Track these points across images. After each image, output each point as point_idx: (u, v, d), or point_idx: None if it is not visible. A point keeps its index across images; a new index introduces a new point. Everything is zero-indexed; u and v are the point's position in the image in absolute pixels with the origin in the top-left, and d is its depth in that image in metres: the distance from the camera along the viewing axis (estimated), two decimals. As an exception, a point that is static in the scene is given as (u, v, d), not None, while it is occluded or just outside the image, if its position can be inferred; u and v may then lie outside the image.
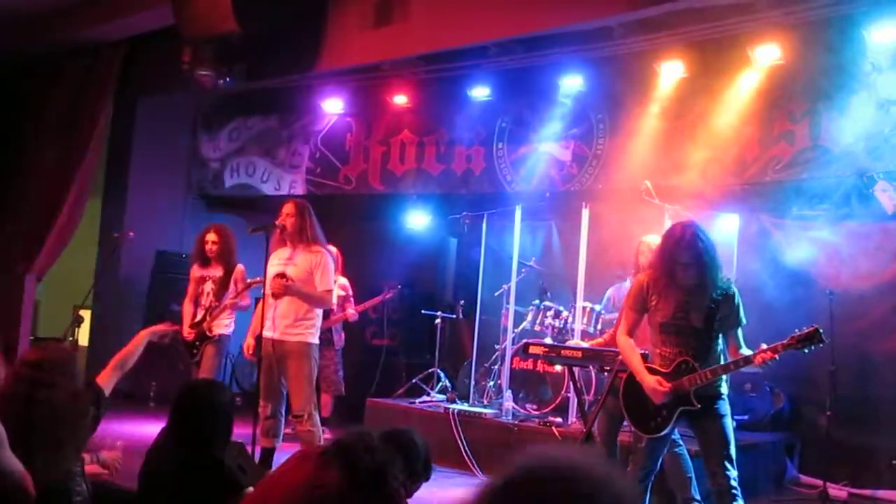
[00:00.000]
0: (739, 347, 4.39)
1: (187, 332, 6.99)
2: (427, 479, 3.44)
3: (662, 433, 4.45)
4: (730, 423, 4.43)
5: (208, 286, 7.06)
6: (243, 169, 10.23)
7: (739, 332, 4.44)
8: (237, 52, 7.98)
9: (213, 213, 10.63)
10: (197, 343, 6.98)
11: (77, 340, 8.43)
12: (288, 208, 6.09)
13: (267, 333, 6.02)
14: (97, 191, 10.07)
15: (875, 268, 7.07)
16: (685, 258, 4.34)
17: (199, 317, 7.02)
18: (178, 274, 9.35)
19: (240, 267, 7.08)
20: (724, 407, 4.43)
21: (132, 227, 9.28)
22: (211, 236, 7.10)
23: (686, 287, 4.39)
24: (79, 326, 8.32)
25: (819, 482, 6.50)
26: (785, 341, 4.20)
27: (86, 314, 8.72)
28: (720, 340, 4.46)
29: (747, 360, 4.28)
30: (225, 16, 7.41)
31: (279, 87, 9.41)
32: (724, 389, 4.48)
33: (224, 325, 7.05)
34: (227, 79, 8.31)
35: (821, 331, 4.16)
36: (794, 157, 6.83)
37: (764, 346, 4.25)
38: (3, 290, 9.51)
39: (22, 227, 9.69)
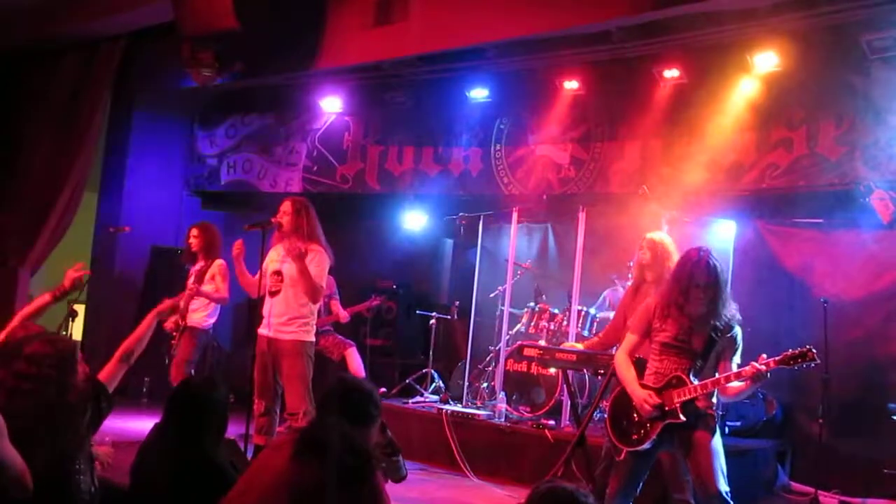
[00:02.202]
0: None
1: (169, 323, 7.18)
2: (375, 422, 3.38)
3: (643, 447, 4.45)
4: (719, 440, 4.42)
5: (191, 280, 7.27)
6: (240, 166, 10.22)
7: (734, 364, 4.43)
8: (236, 49, 7.97)
9: (209, 210, 10.63)
10: (174, 334, 7.23)
11: (71, 335, 8.42)
12: (285, 206, 6.10)
13: (262, 331, 6.03)
14: (93, 185, 10.05)
15: (870, 276, 7.07)
16: (702, 279, 4.38)
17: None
18: (173, 269, 9.34)
19: (219, 261, 7.24)
20: (713, 423, 4.43)
21: (128, 223, 9.26)
22: (193, 231, 7.42)
23: (693, 314, 4.42)
24: (73, 321, 8.31)
25: (810, 490, 6.50)
26: (777, 358, 4.21)
27: (80, 308, 8.69)
28: (717, 364, 4.47)
29: (738, 375, 4.29)
30: (225, 12, 7.40)
31: (277, 85, 9.40)
32: (714, 407, 4.49)
33: (197, 318, 7.21)
34: (225, 76, 8.32)
35: (814, 351, 4.17)
36: (791, 165, 6.85)
37: (755, 364, 4.23)
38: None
39: (17, 220, 9.66)
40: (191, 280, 7.28)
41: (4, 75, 9.90)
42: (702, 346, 4.41)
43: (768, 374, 4.21)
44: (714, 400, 4.47)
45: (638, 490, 4.63)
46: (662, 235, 5.86)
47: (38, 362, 3.35)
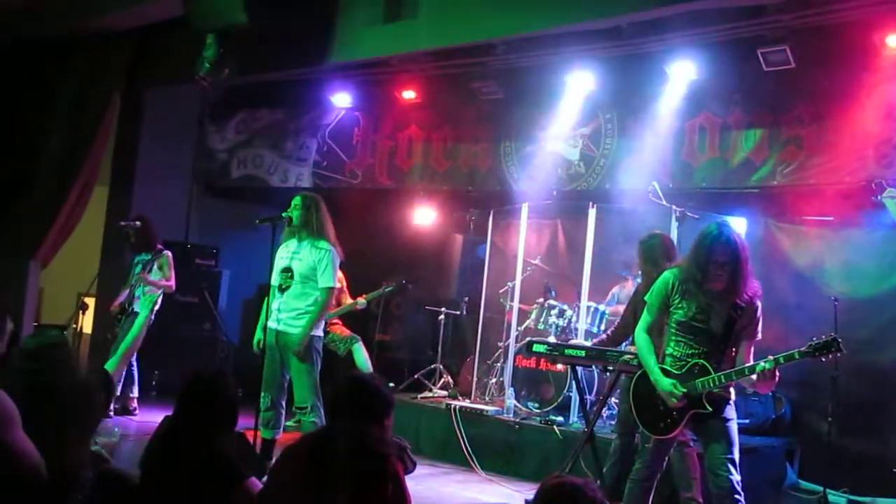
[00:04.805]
0: (746, 360, 4.33)
1: (112, 307, 8.03)
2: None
3: (671, 434, 4.43)
4: (735, 427, 4.39)
5: (137, 268, 7.93)
6: (250, 161, 10.23)
7: (752, 346, 4.38)
8: (247, 44, 7.98)
9: (219, 204, 10.65)
10: (119, 317, 7.88)
11: (81, 327, 8.49)
12: (296, 201, 6.12)
13: (271, 325, 6.03)
14: (104, 179, 10.07)
15: (881, 275, 7.05)
16: (721, 257, 4.26)
17: (125, 295, 7.93)
18: (182, 264, 9.37)
19: (167, 252, 8.02)
20: (731, 411, 4.40)
21: (138, 217, 9.29)
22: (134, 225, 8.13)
23: (713, 290, 4.32)
24: (83, 313, 8.38)
25: (819, 488, 6.49)
26: (802, 349, 4.12)
27: (90, 302, 8.75)
28: (736, 347, 4.39)
29: (762, 370, 4.17)
30: (235, 7, 7.42)
31: (287, 80, 9.41)
32: (733, 394, 4.45)
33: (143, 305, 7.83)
34: (236, 71, 8.32)
35: (839, 340, 4.06)
36: (803, 162, 6.82)
37: (780, 357, 4.15)
38: (8, 276, 9.52)
39: (28, 213, 9.70)
40: (136, 268, 7.94)
41: (18, 69, 9.93)
42: (721, 326, 4.32)
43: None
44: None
45: (663, 467, 4.63)
46: (653, 237, 5.86)
47: (43, 354, 3.38)
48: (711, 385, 4.26)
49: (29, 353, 3.43)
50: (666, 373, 4.42)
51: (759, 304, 4.37)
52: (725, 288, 4.30)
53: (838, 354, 4.10)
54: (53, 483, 3.23)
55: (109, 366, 7.67)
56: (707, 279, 4.30)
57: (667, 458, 4.66)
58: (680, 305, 4.42)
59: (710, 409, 4.30)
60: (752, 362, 4.31)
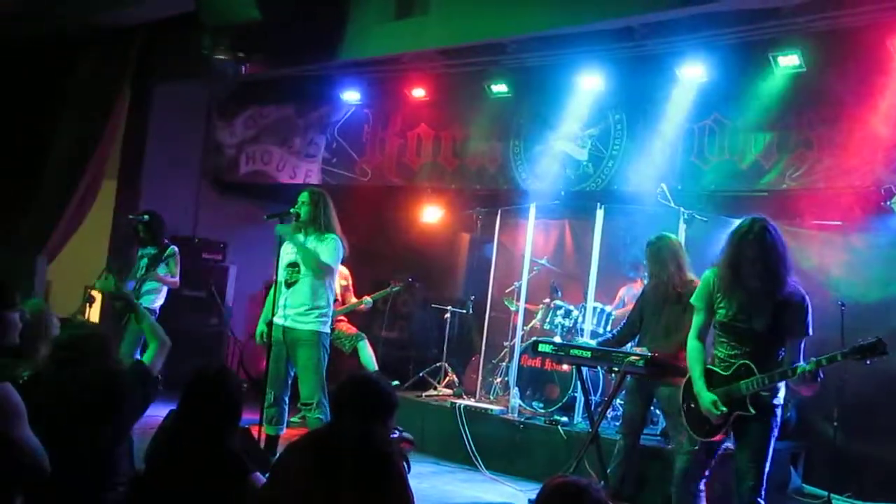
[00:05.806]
0: (796, 359, 4.17)
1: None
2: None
3: (716, 438, 4.34)
4: (773, 436, 4.26)
5: (143, 262, 7.90)
6: (258, 156, 10.24)
7: (802, 343, 4.22)
8: (257, 40, 7.99)
9: (227, 199, 10.67)
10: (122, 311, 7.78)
11: (89, 319, 8.51)
12: (303, 197, 6.14)
13: (278, 321, 6.04)
14: (112, 173, 10.10)
15: (888, 279, 7.03)
16: (751, 253, 4.17)
17: (129, 288, 7.85)
18: (189, 259, 9.39)
19: (174, 248, 7.97)
20: (775, 420, 4.28)
21: (146, 211, 9.32)
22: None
23: (750, 287, 4.21)
24: (90, 306, 8.41)
25: (824, 493, 6.47)
26: (845, 350, 4.01)
27: (97, 295, 8.78)
28: (783, 347, 4.26)
29: (803, 371, 4.04)
30: (246, 3, 7.42)
31: (296, 76, 9.41)
32: (781, 397, 4.30)
33: (148, 301, 7.80)
34: (246, 67, 8.33)
35: (885, 342, 3.94)
36: (812, 166, 6.80)
37: (822, 359, 4.03)
38: (15, 269, 9.55)
39: (36, 207, 9.73)
40: (142, 262, 7.92)
41: (27, 64, 9.96)
42: (764, 326, 4.19)
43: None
44: (781, 390, 4.27)
45: (710, 472, 4.53)
46: (661, 239, 5.85)
47: (79, 347, 3.44)
48: (755, 386, 4.14)
49: (62, 344, 3.47)
50: (712, 375, 4.32)
51: (803, 298, 4.22)
52: (761, 285, 4.18)
53: (883, 357, 3.97)
54: (93, 475, 3.27)
55: (147, 358, 7.69)
56: (741, 277, 4.20)
57: (713, 461, 4.52)
58: (721, 305, 4.31)
59: (754, 411, 4.18)
60: (800, 360, 4.16)
